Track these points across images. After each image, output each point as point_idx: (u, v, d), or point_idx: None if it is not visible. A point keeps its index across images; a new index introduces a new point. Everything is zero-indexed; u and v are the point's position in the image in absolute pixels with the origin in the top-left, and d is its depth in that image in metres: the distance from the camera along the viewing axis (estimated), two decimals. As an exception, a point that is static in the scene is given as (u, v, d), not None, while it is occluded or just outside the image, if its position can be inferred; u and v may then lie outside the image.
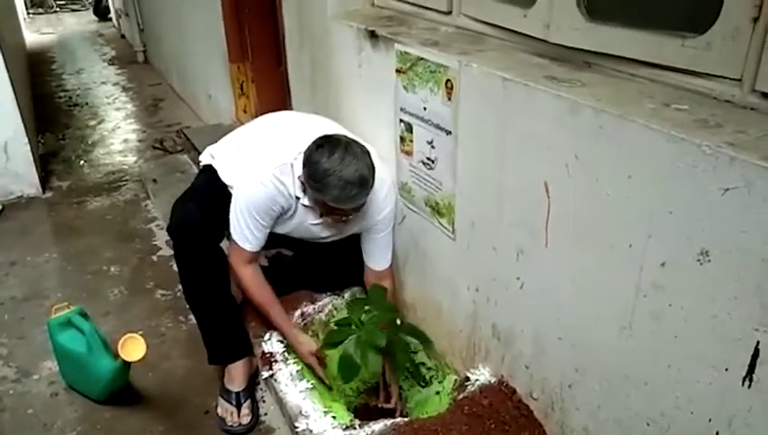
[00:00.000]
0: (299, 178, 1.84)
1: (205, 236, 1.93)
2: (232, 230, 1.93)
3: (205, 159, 2.16)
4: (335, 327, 1.99)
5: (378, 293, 1.98)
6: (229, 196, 1.97)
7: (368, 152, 1.78)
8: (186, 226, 1.93)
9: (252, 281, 1.99)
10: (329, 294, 2.27)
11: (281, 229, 1.99)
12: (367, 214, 1.96)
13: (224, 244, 2.04)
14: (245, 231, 1.91)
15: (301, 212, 1.94)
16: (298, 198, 1.90)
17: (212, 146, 2.19)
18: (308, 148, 1.78)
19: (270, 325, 2.10)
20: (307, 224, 1.97)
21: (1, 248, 3.13)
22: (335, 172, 1.70)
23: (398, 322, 1.92)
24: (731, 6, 1.11)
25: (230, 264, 1.98)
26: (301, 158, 1.82)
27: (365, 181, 1.73)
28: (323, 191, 1.74)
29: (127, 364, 1.95)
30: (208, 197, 2.02)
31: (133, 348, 1.91)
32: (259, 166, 1.90)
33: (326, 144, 1.75)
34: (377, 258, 2.08)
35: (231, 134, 2.19)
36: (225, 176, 2.04)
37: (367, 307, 1.92)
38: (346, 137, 1.81)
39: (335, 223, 1.94)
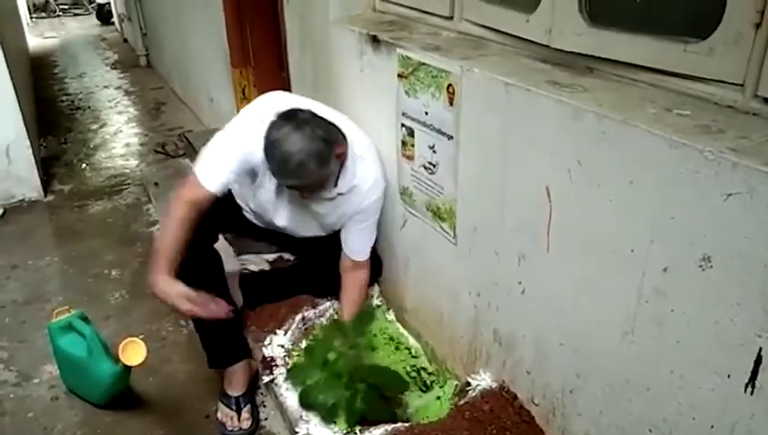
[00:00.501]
0: None
1: (197, 240, 1.92)
2: (200, 163, 1.86)
3: None
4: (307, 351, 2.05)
5: (356, 323, 2.04)
6: (224, 201, 1.98)
7: (326, 139, 1.77)
8: None
9: (180, 217, 1.79)
10: (330, 298, 2.27)
11: (267, 205, 2.02)
12: (349, 202, 1.99)
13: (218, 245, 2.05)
14: (216, 164, 1.84)
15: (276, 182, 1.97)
16: None
17: None
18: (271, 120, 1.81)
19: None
20: (285, 200, 2.01)
21: (2, 252, 3.13)
22: (279, 146, 1.73)
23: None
24: (733, 12, 1.11)
25: (176, 194, 1.84)
26: None
27: (302, 164, 1.73)
28: (267, 161, 1.77)
29: (127, 368, 1.95)
30: None
31: (134, 352, 1.91)
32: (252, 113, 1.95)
33: (285, 116, 1.78)
34: (355, 248, 2.08)
35: None
36: None
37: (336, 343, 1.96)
38: (313, 115, 1.81)
39: (299, 198, 1.96)
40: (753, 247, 0.98)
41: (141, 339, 1.95)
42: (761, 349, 1.00)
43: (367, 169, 1.98)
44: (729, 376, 1.06)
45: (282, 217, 2.07)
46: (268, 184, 1.98)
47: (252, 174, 1.95)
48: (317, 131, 1.76)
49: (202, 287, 1.94)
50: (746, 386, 1.04)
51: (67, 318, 2.08)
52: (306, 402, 1.86)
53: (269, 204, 2.03)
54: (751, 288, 1.00)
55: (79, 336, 2.03)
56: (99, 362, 1.99)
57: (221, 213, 1.94)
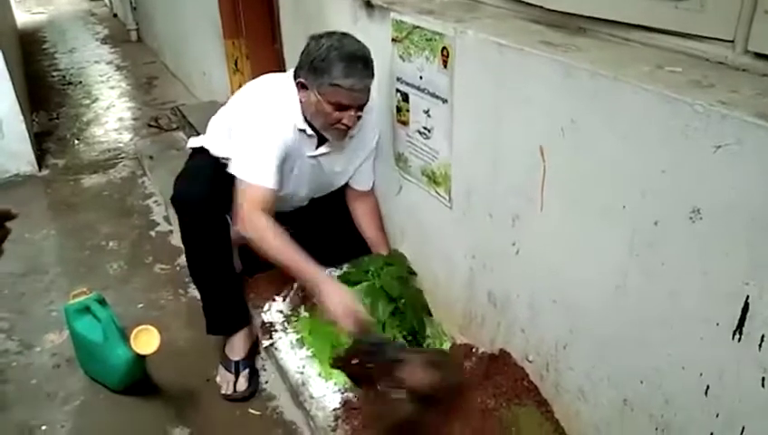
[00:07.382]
0: (298, 85, 1.87)
1: (209, 207, 1.91)
2: (241, 171, 1.80)
3: (193, 142, 2.17)
4: (352, 269, 2.08)
5: (398, 256, 2.12)
6: (225, 167, 1.98)
7: None
8: (189, 197, 1.92)
9: (271, 234, 1.73)
10: (327, 268, 2.27)
11: (286, 185, 2.00)
12: (365, 137, 2.07)
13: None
14: (261, 165, 1.80)
15: (300, 146, 1.96)
16: (302, 131, 1.91)
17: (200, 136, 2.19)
18: (306, 44, 1.84)
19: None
20: (307, 159, 1.99)
21: (-2, 225, 3.13)
22: (338, 49, 1.76)
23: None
24: (724, -33, 1.12)
25: (240, 216, 1.77)
26: (289, 99, 1.88)
27: (367, 59, 1.79)
28: (329, 70, 1.75)
29: (142, 356, 1.89)
30: (208, 169, 2.01)
31: (146, 340, 1.86)
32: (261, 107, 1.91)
33: (323, 34, 1.82)
34: (364, 180, 2.19)
35: (215, 118, 2.16)
36: (217, 150, 2.04)
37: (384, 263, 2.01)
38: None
39: (340, 134, 1.90)
40: (740, 198, 1.00)
41: (154, 327, 1.89)
42: (748, 296, 1.03)
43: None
44: (718, 324, 1.09)
45: (304, 187, 2.10)
46: (299, 161, 1.99)
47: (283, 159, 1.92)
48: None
49: (212, 255, 1.96)
50: (734, 333, 1.07)
51: (84, 301, 2.02)
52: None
53: (298, 178, 2.04)
54: (738, 238, 1.02)
55: (95, 320, 1.97)
56: (113, 347, 1.92)
57: (227, 185, 1.94)
